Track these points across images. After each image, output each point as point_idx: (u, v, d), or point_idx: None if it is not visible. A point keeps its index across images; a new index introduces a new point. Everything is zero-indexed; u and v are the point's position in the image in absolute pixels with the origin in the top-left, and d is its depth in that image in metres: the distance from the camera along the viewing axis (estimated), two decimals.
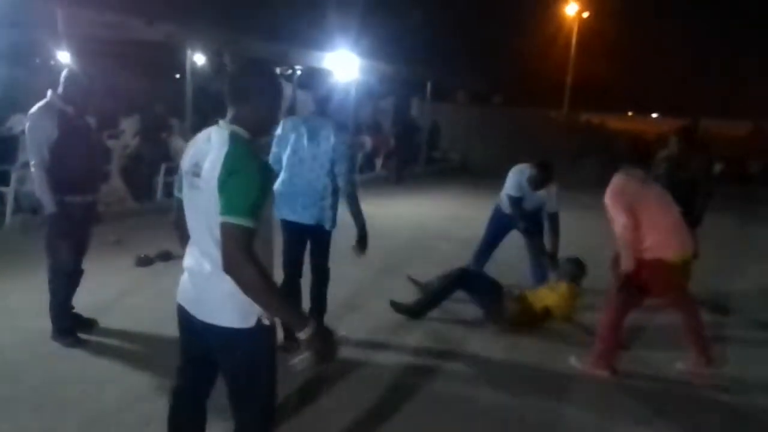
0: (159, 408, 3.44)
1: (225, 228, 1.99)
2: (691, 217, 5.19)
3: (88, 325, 4.47)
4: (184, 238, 2.37)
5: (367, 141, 14.63)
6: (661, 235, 4.06)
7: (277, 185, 4.01)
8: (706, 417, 3.83)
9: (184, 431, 2.53)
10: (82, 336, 4.30)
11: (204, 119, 13.49)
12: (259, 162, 2.09)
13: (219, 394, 2.41)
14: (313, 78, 14.02)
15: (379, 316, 5.11)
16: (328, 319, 4.13)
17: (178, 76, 12.11)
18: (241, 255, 1.97)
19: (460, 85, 19.82)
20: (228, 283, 2.03)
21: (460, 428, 3.54)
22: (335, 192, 4.11)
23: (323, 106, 4.42)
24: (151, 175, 9.24)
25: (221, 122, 2.20)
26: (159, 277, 5.80)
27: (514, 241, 6.06)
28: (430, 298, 5.16)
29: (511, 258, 6.17)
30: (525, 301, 5.08)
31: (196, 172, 2.13)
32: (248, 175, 2.02)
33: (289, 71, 15.13)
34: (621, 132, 26.35)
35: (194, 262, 2.24)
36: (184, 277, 2.32)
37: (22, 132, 9.00)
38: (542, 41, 29.37)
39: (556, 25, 28.78)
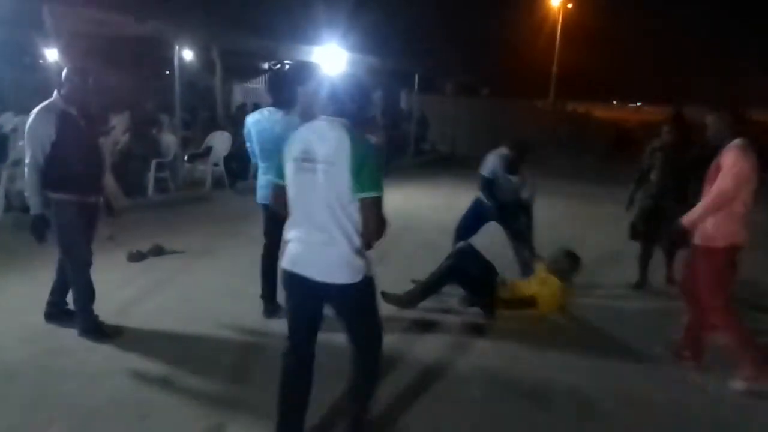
0: (155, 401, 3.59)
1: (369, 200, 2.66)
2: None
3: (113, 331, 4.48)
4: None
5: None
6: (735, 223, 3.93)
7: None
8: None
9: (296, 386, 3.02)
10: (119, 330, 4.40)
11: (193, 115, 13.57)
12: (373, 147, 2.76)
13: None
14: (302, 72, 14.05)
15: None
16: None
17: (168, 72, 12.08)
18: (381, 216, 2.70)
19: (448, 77, 19.89)
20: (342, 248, 2.71)
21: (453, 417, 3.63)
22: None
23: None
24: (142, 171, 9.27)
25: (325, 117, 2.79)
26: (151, 272, 5.89)
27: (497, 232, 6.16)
28: (422, 288, 5.21)
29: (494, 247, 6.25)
30: (513, 289, 5.18)
31: (308, 158, 2.70)
32: (374, 158, 2.68)
33: (278, 66, 15.12)
34: (607, 120, 26.53)
35: (307, 234, 2.78)
36: (296, 248, 2.83)
37: (12, 130, 9.09)
38: (527, 32, 29.48)
39: (541, 16, 28.88)
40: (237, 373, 4.00)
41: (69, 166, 4.07)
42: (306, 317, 2.99)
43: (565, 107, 28.05)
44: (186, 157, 10.32)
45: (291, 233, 2.85)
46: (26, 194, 4.11)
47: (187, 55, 11.88)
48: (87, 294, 4.32)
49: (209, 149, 10.54)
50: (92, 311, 4.36)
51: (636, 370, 4.30)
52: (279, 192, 2.89)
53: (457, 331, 4.84)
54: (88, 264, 4.31)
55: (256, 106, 14.18)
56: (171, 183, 9.63)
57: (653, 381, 4.14)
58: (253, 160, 4.87)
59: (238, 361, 4.16)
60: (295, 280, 2.85)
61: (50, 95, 4.13)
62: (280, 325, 4.52)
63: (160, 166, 9.36)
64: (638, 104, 39.81)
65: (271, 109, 4.70)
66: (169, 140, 9.80)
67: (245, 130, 4.75)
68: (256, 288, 4.88)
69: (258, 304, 4.93)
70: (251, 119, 4.72)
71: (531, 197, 5.98)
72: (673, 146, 5.70)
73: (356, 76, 3.06)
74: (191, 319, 4.80)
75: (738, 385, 3.98)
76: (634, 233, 5.98)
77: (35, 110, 4.06)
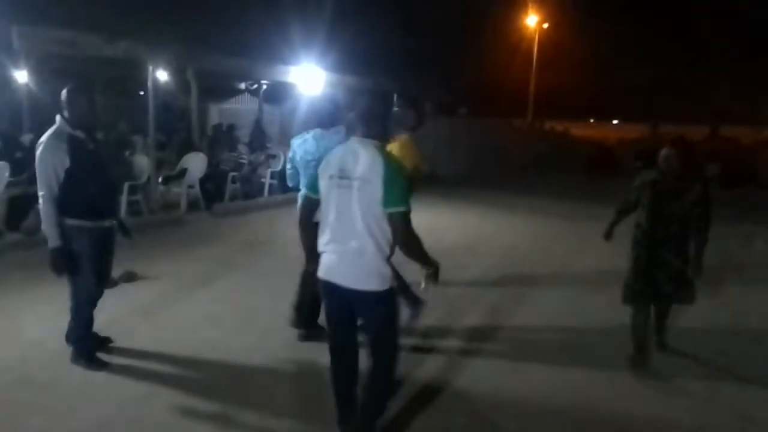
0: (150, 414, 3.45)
1: (397, 215, 2.91)
2: (687, 267, 4.41)
3: (103, 342, 4.50)
4: (308, 230, 3.27)
5: None
6: None
7: None
8: None
9: (345, 375, 3.32)
10: (102, 357, 4.30)
11: (168, 136, 13.35)
12: (401, 165, 3.06)
13: None
14: (278, 92, 13.94)
15: None
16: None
17: (142, 93, 11.89)
18: (408, 229, 2.96)
19: (426, 97, 19.90)
20: (373, 258, 2.96)
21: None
22: None
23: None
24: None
25: (357, 138, 3.05)
26: (123, 300, 5.55)
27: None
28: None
29: None
30: None
31: (344, 176, 2.96)
32: (402, 176, 2.95)
33: (255, 86, 15.01)
34: (585, 139, 26.75)
35: (342, 245, 3.01)
36: (331, 258, 3.07)
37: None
38: (505, 52, 29.75)
39: (518, 35, 29.17)
40: (215, 399, 3.81)
41: (84, 192, 3.96)
42: (341, 319, 3.21)
43: (543, 126, 28.25)
44: (160, 179, 10.09)
45: (326, 245, 3.08)
46: (43, 228, 3.97)
47: (162, 75, 11.69)
48: (86, 325, 4.25)
49: (184, 171, 10.32)
50: (89, 340, 4.29)
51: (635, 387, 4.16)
52: (311, 205, 3.21)
53: (449, 351, 4.68)
54: (92, 295, 4.22)
55: (231, 128, 14.16)
56: (144, 206, 9.39)
57: (653, 397, 4.02)
58: (290, 183, 4.77)
59: (216, 389, 3.96)
60: (330, 288, 3.10)
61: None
62: (261, 352, 4.46)
63: (132, 189, 9.11)
64: (615, 122, 40.35)
65: (316, 132, 4.59)
66: (142, 162, 9.58)
67: (290, 154, 4.69)
68: (234, 314, 4.72)
69: (236, 330, 4.75)
70: (297, 142, 4.65)
71: None
72: (671, 180, 4.36)
73: (383, 98, 3.29)
74: (165, 348, 4.59)
75: None
76: (630, 294, 4.61)
77: (44, 139, 3.91)
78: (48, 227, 3.91)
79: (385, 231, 2.96)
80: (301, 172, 4.52)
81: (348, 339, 3.28)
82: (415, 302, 4.78)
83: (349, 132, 4.54)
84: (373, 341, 3.19)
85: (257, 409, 3.61)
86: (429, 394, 4.03)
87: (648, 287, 4.49)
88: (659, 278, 4.43)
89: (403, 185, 2.94)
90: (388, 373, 3.25)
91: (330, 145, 4.23)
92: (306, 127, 4.82)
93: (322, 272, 3.13)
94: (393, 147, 4.63)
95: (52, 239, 3.91)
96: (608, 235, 4.98)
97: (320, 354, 3.74)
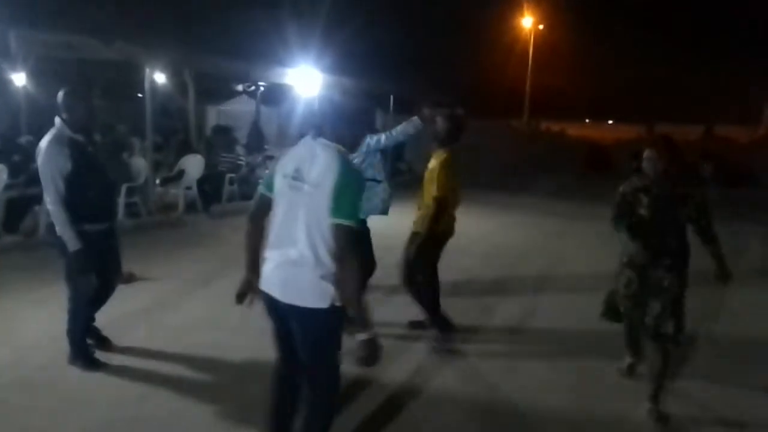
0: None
1: (339, 228, 2.58)
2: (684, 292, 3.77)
3: (104, 341, 4.49)
4: (254, 231, 2.91)
5: None
6: None
7: None
8: None
9: (281, 406, 2.99)
10: (100, 358, 4.28)
11: (165, 138, 13.37)
12: (361, 175, 2.75)
13: None
14: (276, 94, 13.93)
15: None
16: None
17: (140, 95, 11.91)
18: (349, 249, 2.58)
19: (423, 98, 19.93)
20: (310, 271, 2.62)
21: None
22: None
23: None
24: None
25: (321, 139, 2.73)
26: (122, 301, 5.40)
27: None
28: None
29: None
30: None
31: (297, 177, 2.67)
32: (356, 187, 2.65)
33: (252, 87, 15.00)
34: (581, 139, 26.79)
35: (280, 254, 2.71)
36: (270, 267, 2.76)
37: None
38: (501, 52, 29.79)
39: (514, 36, 29.22)
40: (215, 399, 3.81)
41: (84, 195, 3.94)
42: (284, 337, 2.88)
43: (539, 126, 28.30)
44: (158, 181, 10.10)
45: (268, 252, 2.80)
46: (58, 232, 3.91)
47: (160, 77, 11.71)
48: (84, 327, 4.25)
49: (182, 172, 10.33)
50: (86, 341, 4.28)
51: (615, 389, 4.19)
52: (264, 203, 2.86)
53: (427, 355, 4.69)
54: (88, 302, 4.20)
55: (229, 129, 14.15)
56: (142, 208, 9.39)
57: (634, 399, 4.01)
58: None
59: (215, 390, 3.97)
60: (268, 301, 2.80)
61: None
62: (260, 353, 4.42)
63: (130, 191, 9.12)
64: (610, 122, 40.39)
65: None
66: (140, 164, 9.58)
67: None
68: (234, 315, 4.69)
69: (234, 331, 4.76)
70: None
71: None
72: (660, 183, 3.71)
73: (354, 102, 3.00)
74: (164, 349, 4.59)
75: None
76: (609, 313, 4.20)
77: (44, 144, 3.90)
78: (64, 231, 3.88)
79: (330, 243, 2.64)
80: None
81: (288, 363, 2.94)
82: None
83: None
84: (308, 367, 2.83)
85: (259, 410, 3.64)
86: (427, 393, 4.06)
87: (637, 313, 3.88)
88: (652, 305, 3.74)
89: (356, 197, 2.64)
90: (326, 406, 2.90)
91: None
92: (303, 130, 4.88)
93: (262, 283, 2.83)
94: (432, 164, 4.74)
95: (72, 242, 3.88)
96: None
97: None
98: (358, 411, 3.74)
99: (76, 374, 4.12)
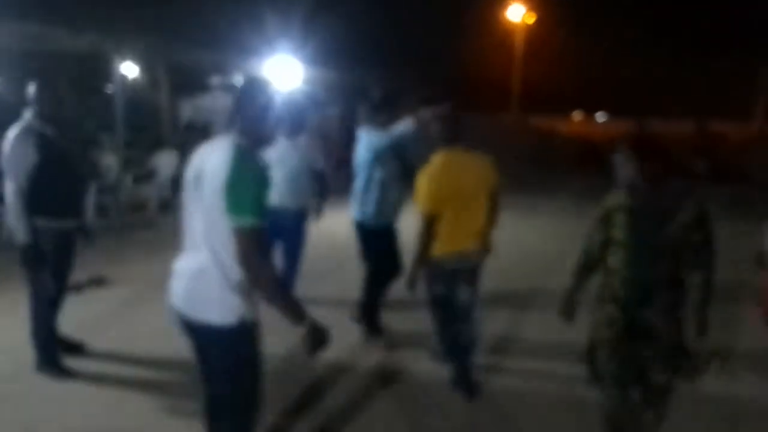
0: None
1: (237, 230, 2.25)
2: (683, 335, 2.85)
3: (76, 347, 4.38)
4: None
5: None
6: None
7: None
8: None
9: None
10: (68, 364, 4.14)
11: (138, 134, 12.89)
12: (261, 168, 2.35)
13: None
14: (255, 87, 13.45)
15: None
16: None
17: (110, 89, 11.46)
18: (253, 252, 2.26)
19: (410, 91, 19.56)
20: (212, 283, 2.32)
21: None
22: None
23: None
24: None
25: (225, 134, 2.44)
26: (91, 306, 5.35)
27: None
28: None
29: None
30: None
31: (198, 179, 2.36)
32: (253, 181, 2.28)
33: (229, 82, 14.57)
34: (571, 134, 26.56)
35: (185, 264, 2.44)
36: (173, 279, 2.49)
37: None
38: (489, 46, 29.49)
39: (503, 29, 28.90)
40: (190, 403, 3.63)
41: (49, 190, 3.87)
42: (197, 360, 2.57)
43: (528, 121, 27.98)
44: (129, 179, 9.66)
45: (177, 263, 2.53)
46: (11, 223, 3.87)
47: (131, 70, 11.25)
48: (48, 329, 4.12)
49: (154, 170, 9.88)
50: (53, 345, 4.14)
51: None
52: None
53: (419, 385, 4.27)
54: (51, 301, 4.08)
55: (204, 127, 13.69)
56: (112, 207, 8.97)
57: None
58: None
59: (191, 393, 3.68)
60: (176, 316, 2.51)
61: None
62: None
63: (100, 190, 8.66)
64: (602, 118, 40.27)
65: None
66: (110, 161, 9.15)
67: None
68: None
69: None
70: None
71: None
72: (643, 194, 2.80)
73: (263, 86, 2.53)
74: (137, 353, 4.43)
75: None
76: (595, 375, 3.09)
77: (11, 135, 3.82)
78: (16, 221, 3.79)
79: (233, 249, 2.32)
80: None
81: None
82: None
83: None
84: (209, 394, 2.53)
85: None
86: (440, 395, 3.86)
87: (625, 370, 2.94)
88: (645, 356, 2.88)
89: (253, 193, 2.28)
90: None
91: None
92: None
93: (169, 296, 2.53)
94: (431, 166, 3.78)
95: (22, 234, 3.80)
96: (568, 309, 3.15)
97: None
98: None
99: (45, 382, 3.97)
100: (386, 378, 4.23)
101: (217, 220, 2.28)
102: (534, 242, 8.80)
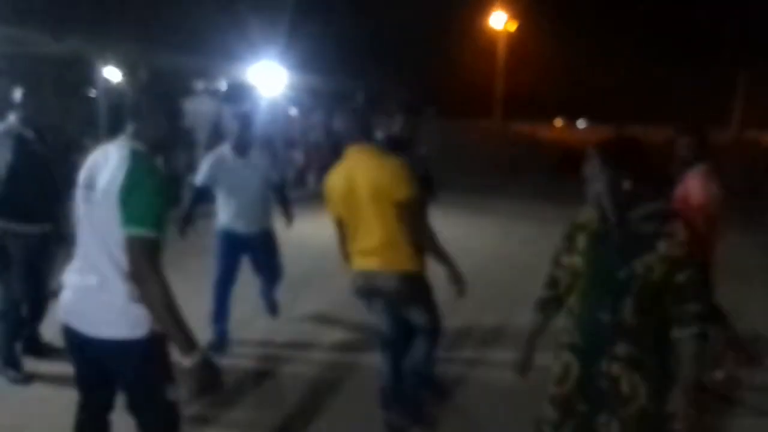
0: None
1: (131, 240, 2.09)
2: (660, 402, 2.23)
3: (49, 349, 4.35)
4: None
5: (298, 156, 14.36)
6: None
7: None
8: None
9: None
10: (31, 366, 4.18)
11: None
12: (159, 176, 2.22)
13: None
14: (238, 93, 13.52)
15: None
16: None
17: (94, 93, 11.42)
18: (146, 265, 2.08)
19: (392, 97, 19.64)
20: (115, 296, 2.16)
21: None
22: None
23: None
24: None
25: (121, 138, 2.28)
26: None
27: None
28: None
29: None
30: None
31: (90, 186, 2.21)
32: (151, 189, 2.13)
33: (214, 87, 14.56)
34: (553, 140, 26.77)
35: (79, 277, 2.27)
36: (66, 295, 2.31)
37: None
38: (472, 52, 29.65)
39: (486, 36, 29.09)
40: None
41: (22, 193, 3.88)
42: (87, 374, 2.42)
43: (511, 127, 28.18)
44: None
45: (67, 276, 2.35)
46: None
47: (114, 75, 11.25)
48: (13, 332, 4.13)
49: None
50: (13, 350, 4.14)
51: None
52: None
53: None
54: (18, 305, 4.12)
55: (188, 132, 13.62)
56: None
57: None
58: None
59: None
60: (69, 334, 2.33)
61: None
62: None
63: None
64: (582, 125, 40.66)
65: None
66: None
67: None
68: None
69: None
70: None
71: None
72: (612, 211, 2.27)
73: (163, 85, 2.44)
74: None
75: None
76: None
77: None
78: None
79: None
80: None
81: (97, 411, 2.49)
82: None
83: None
84: (133, 410, 2.36)
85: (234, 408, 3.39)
86: None
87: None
88: (600, 424, 2.24)
89: (149, 201, 2.13)
90: None
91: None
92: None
93: (60, 312, 2.36)
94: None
95: None
96: (525, 363, 2.54)
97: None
98: None
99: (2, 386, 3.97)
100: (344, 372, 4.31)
101: (114, 230, 2.13)
102: (512, 249, 8.87)
